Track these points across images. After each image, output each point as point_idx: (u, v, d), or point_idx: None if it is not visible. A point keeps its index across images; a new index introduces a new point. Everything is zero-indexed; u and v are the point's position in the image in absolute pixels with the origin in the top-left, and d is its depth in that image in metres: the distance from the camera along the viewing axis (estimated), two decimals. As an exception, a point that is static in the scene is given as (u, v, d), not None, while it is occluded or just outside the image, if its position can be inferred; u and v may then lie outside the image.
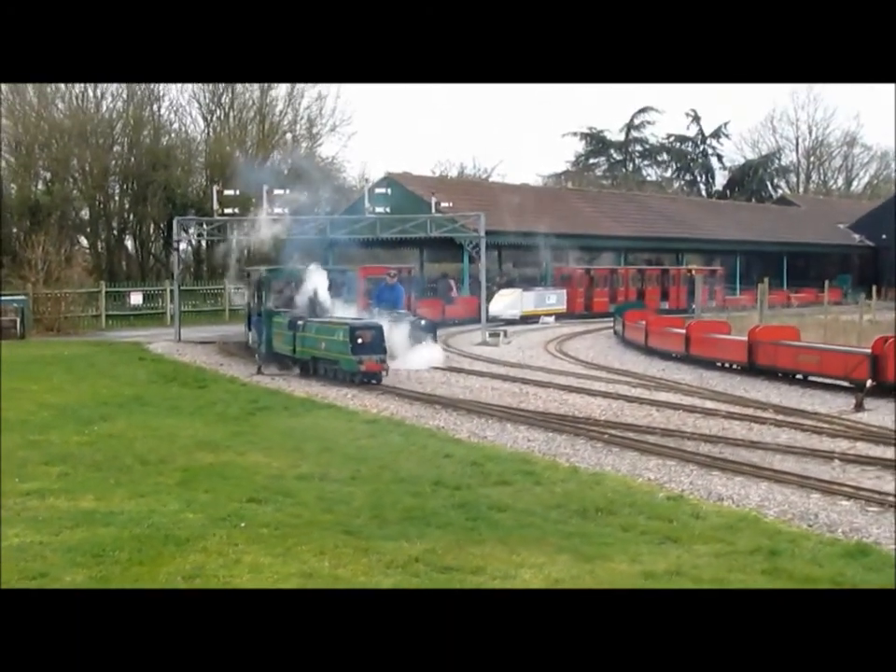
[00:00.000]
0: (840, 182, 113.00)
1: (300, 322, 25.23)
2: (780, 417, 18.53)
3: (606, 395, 21.51)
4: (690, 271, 58.22)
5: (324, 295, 26.41)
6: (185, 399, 20.37)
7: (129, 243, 62.72)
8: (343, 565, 9.19)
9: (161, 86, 62.33)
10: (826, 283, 48.48)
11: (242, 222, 35.95)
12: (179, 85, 68.32)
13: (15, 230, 54.02)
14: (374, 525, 10.57)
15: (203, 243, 58.78)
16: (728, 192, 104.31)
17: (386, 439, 15.99)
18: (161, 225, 59.40)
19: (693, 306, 51.67)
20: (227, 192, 35.61)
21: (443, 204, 38.28)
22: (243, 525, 10.51)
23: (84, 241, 61.39)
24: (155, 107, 63.15)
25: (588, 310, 51.06)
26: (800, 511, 11.78)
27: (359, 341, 22.92)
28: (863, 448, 15.68)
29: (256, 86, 64.72)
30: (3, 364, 24.46)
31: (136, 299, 45.57)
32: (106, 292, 44.42)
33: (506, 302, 45.82)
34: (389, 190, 37.41)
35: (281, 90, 65.50)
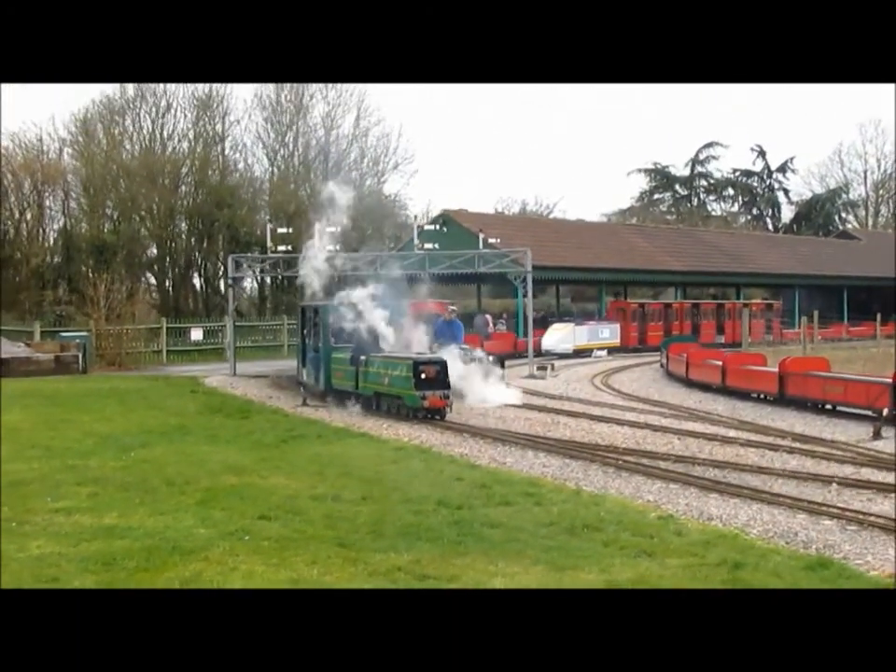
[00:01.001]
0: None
1: (362, 357, 25.19)
2: (796, 445, 19.01)
3: (633, 424, 22.11)
4: (747, 304, 58.43)
5: (385, 330, 26.20)
6: (225, 429, 21.29)
7: (195, 280, 64.49)
8: (330, 573, 9.95)
9: (227, 126, 64.14)
10: (878, 315, 48.38)
11: (296, 259, 37.03)
12: (244, 125, 70.02)
13: (84, 268, 55.73)
14: (369, 540, 11.33)
15: (268, 279, 60.48)
16: (795, 227, 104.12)
17: (407, 464, 16.75)
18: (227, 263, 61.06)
19: (749, 340, 52.09)
20: (280, 230, 36.69)
21: (491, 240, 39.04)
22: (247, 538, 11.31)
23: (152, 279, 63.32)
24: (219, 147, 64.92)
25: (642, 343, 51.52)
26: (782, 529, 12.32)
27: (423, 376, 22.84)
28: (866, 473, 16.15)
29: (320, 124, 66.33)
30: (61, 397, 25.62)
31: (197, 335, 46.86)
32: (168, 328, 45.72)
33: (559, 336, 46.50)
34: (438, 227, 38.46)
35: (345, 128, 67.00)
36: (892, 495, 14.32)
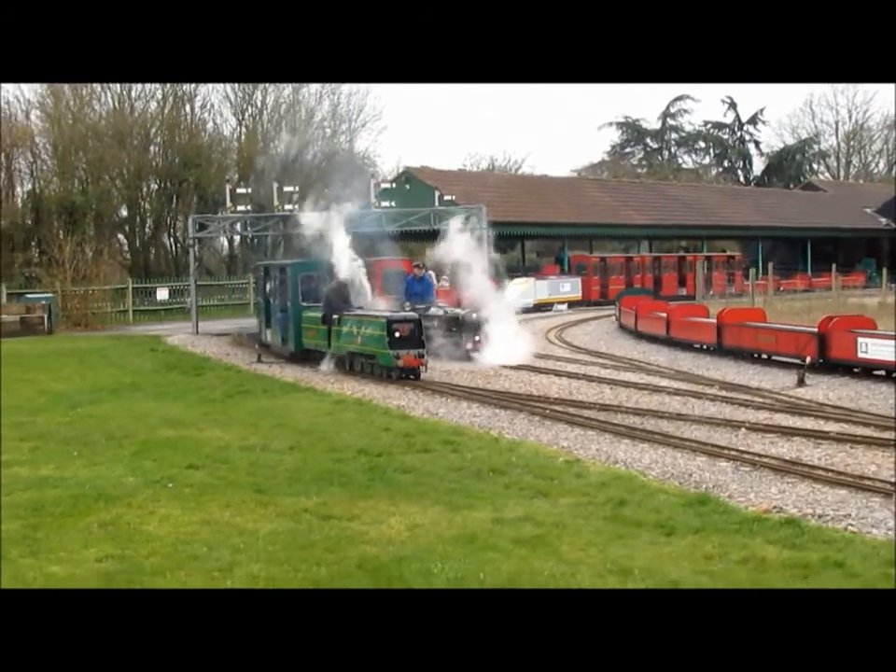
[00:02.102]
0: (882, 165, 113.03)
1: (335, 316, 24.63)
2: (721, 393, 19.83)
3: (571, 375, 22.87)
4: (708, 258, 59.25)
5: (360, 287, 25.55)
6: (176, 385, 22.00)
7: (165, 240, 64.84)
8: (240, 514, 10.74)
9: (194, 84, 64.31)
10: (833, 267, 49.26)
11: (257, 219, 37.68)
12: (212, 84, 70.17)
13: (53, 230, 56.10)
14: (285, 485, 12.09)
15: (237, 239, 61.06)
16: (766, 178, 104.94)
17: (341, 416, 17.50)
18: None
19: (711, 292, 52.93)
20: (239, 190, 37.27)
21: (447, 197, 39.65)
22: (170, 485, 12.07)
23: (123, 239, 63.70)
24: (188, 107, 65.13)
25: (604, 297, 52.27)
26: (679, 471, 13.12)
27: (397, 334, 22.31)
28: (778, 418, 16.94)
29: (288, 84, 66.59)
30: (21, 357, 26.29)
31: (163, 294, 47.43)
32: (134, 288, 46.30)
33: (519, 291, 47.10)
34: (395, 185, 38.91)
35: (312, 87, 67.25)
36: (794, 438, 15.16)
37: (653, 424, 16.54)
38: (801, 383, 20.77)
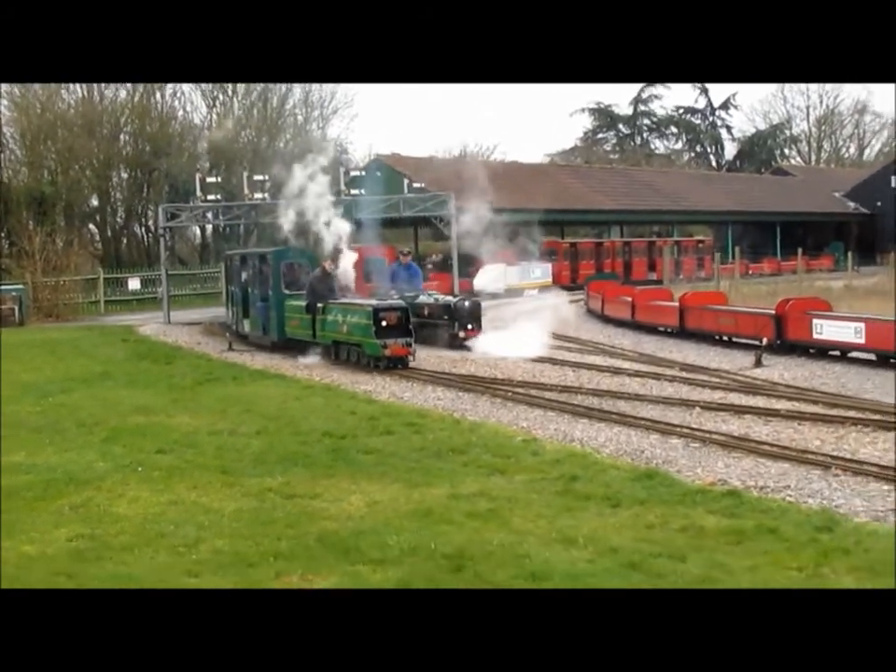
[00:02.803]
0: (852, 150, 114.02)
1: (319, 304, 24.09)
2: (681, 374, 20.36)
3: (535, 359, 23.32)
4: (678, 242, 59.88)
5: (346, 275, 24.84)
6: (147, 374, 22.34)
7: (137, 229, 64.97)
8: (206, 494, 11.20)
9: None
10: (800, 251, 49.92)
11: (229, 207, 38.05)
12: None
13: (23, 220, 56.19)
14: (250, 467, 12.53)
15: (210, 228, 61.37)
16: (738, 163, 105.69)
17: (309, 401, 17.92)
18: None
19: (681, 276, 53.55)
20: (210, 179, 37.57)
21: (416, 185, 40.04)
22: (140, 469, 12.49)
23: (95, 229, 63.84)
24: (158, 96, 65.19)
25: (574, 282, 52.75)
26: (632, 448, 13.62)
27: (384, 323, 21.85)
28: (733, 398, 17.46)
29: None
30: (-7, 348, 26.52)
31: (134, 284, 47.60)
32: (105, 278, 46.52)
33: (490, 277, 47.53)
34: (364, 173, 39.34)
35: (281, 75, 67.23)
36: (745, 416, 15.69)
37: (611, 404, 17.03)
38: (758, 363, 21.33)
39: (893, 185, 76.50)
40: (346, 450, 13.42)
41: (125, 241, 63.21)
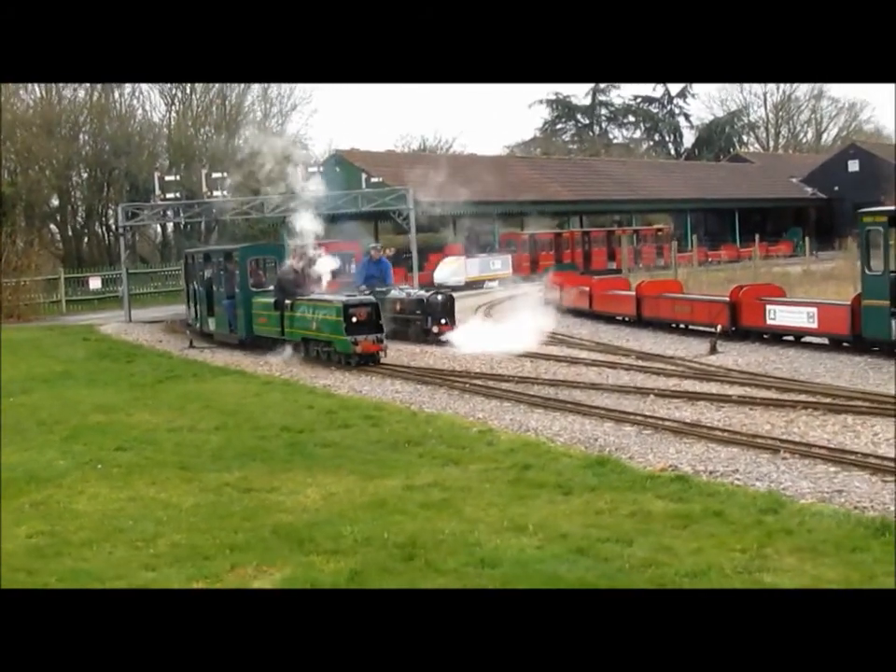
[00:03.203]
0: (810, 135, 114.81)
1: (287, 301, 23.73)
2: (637, 362, 20.64)
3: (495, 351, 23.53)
4: (637, 231, 60.33)
5: (314, 270, 24.38)
6: (108, 373, 22.43)
7: (98, 229, 64.79)
8: (165, 490, 11.36)
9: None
10: (757, 237, 50.40)
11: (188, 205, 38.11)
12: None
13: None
14: (209, 462, 12.71)
15: (171, 226, 61.35)
16: (697, 151, 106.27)
17: (268, 396, 18.09)
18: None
19: (641, 265, 53.91)
20: (168, 177, 37.65)
21: (374, 179, 40.21)
22: (99, 466, 12.64)
23: (55, 229, 63.68)
24: (117, 94, 64.97)
25: (534, 273, 52.99)
26: (586, 437, 13.85)
27: (354, 319, 21.44)
28: (688, 385, 17.73)
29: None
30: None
31: (95, 283, 47.57)
32: (66, 278, 46.46)
33: (450, 269, 47.88)
34: (322, 168, 39.46)
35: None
36: (699, 402, 15.97)
37: (567, 394, 17.27)
38: (713, 350, 21.64)
39: (850, 170, 77.34)
40: (304, 444, 13.60)
41: (86, 240, 63.08)
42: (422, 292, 26.80)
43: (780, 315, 22.12)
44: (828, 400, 15.58)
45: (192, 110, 68.35)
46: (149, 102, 77.76)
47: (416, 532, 9.31)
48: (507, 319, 32.60)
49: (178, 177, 38.52)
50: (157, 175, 38.56)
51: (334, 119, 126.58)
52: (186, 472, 12.17)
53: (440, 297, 25.95)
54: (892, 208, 21.76)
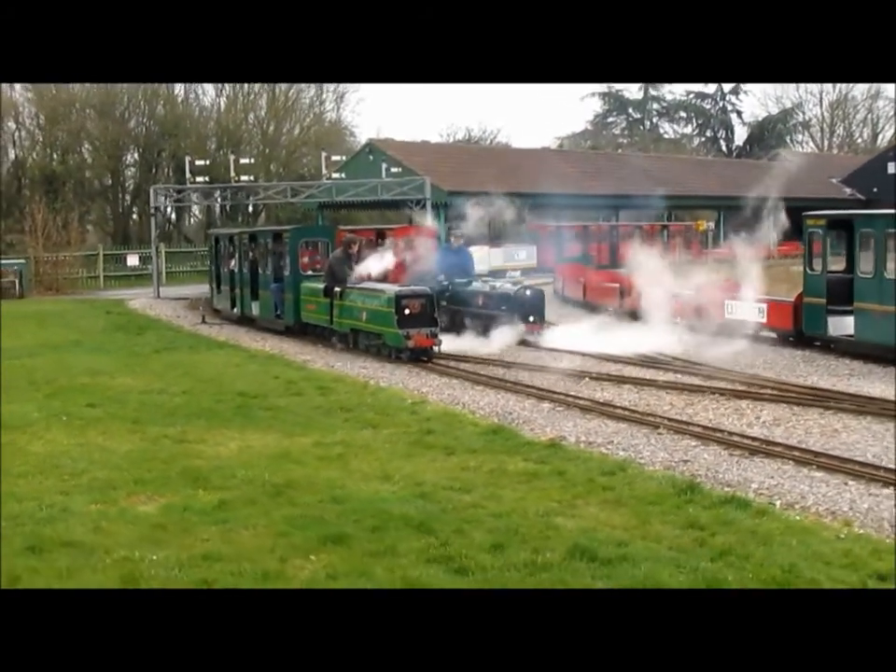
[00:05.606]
0: (866, 135, 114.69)
1: (337, 289, 22.50)
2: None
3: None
4: (665, 227, 61.51)
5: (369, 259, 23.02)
6: (115, 342, 24.41)
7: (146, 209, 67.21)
8: (111, 439, 13.16)
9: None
10: (775, 236, 51.25)
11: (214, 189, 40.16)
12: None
13: (34, 198, 58.36)
14: (160, 419, 14.47)
15: (217, 208, 63.55)
16: (748, 148, 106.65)
17: (246, 367, 19.89)
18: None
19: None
20: (198, 162, 39.66)
21: (394, 169, 41.88)
22: (64, 418, 14.47)
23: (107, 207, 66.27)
24: (169, 79, 67.14)
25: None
26: (505, 411, 15.40)
27: (406, 311, 20.28)
28: (628, 371, 19.08)
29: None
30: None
31: (133, 260, 49.81)
32: (105, 254, 48.71)
33: (475, 258, 49.28)
34: (345, 157, 41.24)
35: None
36: (624, 385, 17.50)
37: (513, 374, 18.78)
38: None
39: (890, 171, 77.81)
40: (250, 407, 15.35)
41: (134, 218, 65.52)
42: (508, 285, 24.16)
43: (737, 311, 23.54)
44: (742, 388, 16.99)
45: (243, 94, 70.47)
46: (201, 87, 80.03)
47: (297, 477, 11.00)
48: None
49: (207, 162, 40.35)
50: (187, 159, 40.51)
51: (380, 109, 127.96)
52: (136, 426, 13.94)
53: (528, 292, 23.55)
54: (831, 212, 23.10)
